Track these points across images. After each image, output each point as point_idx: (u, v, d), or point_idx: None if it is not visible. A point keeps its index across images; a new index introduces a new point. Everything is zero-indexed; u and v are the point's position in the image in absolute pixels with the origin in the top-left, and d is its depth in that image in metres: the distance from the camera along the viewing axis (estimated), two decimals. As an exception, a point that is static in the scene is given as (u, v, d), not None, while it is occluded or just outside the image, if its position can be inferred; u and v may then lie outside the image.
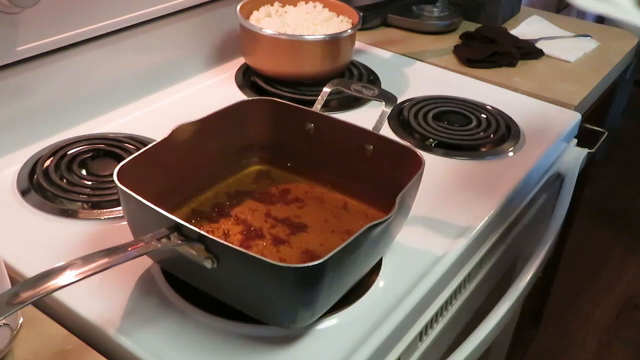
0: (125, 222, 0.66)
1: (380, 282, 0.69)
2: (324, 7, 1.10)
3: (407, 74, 1.17)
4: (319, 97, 0.81)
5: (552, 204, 0.99)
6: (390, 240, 0.70)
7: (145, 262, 0.69)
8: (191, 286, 0.65)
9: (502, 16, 1.40)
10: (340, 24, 1.07)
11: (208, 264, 0.56)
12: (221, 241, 0.55)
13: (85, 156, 0.85)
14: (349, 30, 1.03)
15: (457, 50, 1.25)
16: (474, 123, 1.00)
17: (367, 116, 0.86)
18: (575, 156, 1.05)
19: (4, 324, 0.56)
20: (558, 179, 1.02)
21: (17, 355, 0.59)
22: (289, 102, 0.80)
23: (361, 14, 1.06)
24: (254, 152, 0.82)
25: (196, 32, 1.09)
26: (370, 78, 1.13)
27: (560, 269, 1.65)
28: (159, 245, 0.56)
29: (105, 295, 0.66)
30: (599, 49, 1.30)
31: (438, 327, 0.75)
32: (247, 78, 1.10)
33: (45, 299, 0.62)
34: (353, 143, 0.76)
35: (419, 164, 0.68)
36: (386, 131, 0.96)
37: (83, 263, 0.50)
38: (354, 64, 1.15)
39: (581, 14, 2.70)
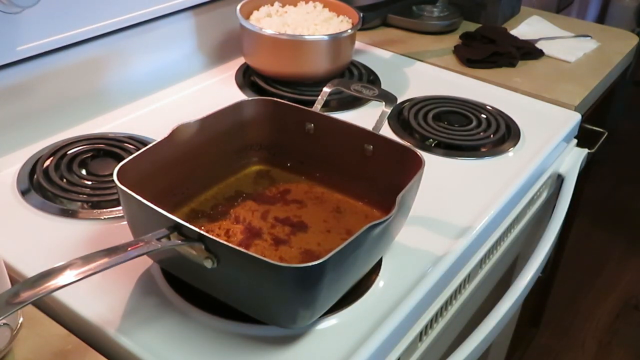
0: (125, 222, 0.66)
1: (380, 282, 0.69)
2: (324, 7, 1.10)
3: (407, 74, 1.17)
4: (319, 97, 0.81)
5: (552, 204, 0.99)
6: (390, 240, 0.70)
7: (145, 262, 0.69)
8: (191, 286, 0.65)
9: (502, 16, 1.40)
10: (340, 24, 1.07)
11: (208, 264, 0.56)
12: (221, 241, 0.55)
13: (85, 156, 0.85)
14: (349, 30, 1.03)
15: (457, 51, 1.25)
16: (474, 123, 1.00)
17: (367, 116, 0.86)
18: (575, 156, 1.05)
19: (4, 323, 0.56)
20: (558, 179, 1.02)
21: (17, 355, 0.59)
22: (289, 102, 0.80)
23: (361, 14, 1.06)
24: (254, 152, 0.82)
25: (196, 32, 1.09)
26: (370, 78, 1.13)
27: (560, 269, 1.65)
28: (159, 245, 0.56)
29: (105, 295, 0.66)
30: (599, 49, 1.30)
31: (438, 327, 0.75)
32: (247, 78, 1.10)
33: (45, 299, 0.62)
34: (353, 143, 0.76)
35: (419, 164, 0.68)
36: (386, 131, 0.96)
37: (83, 263, 0.50)
38: (354, 64, 1.15)
39: (581, 14, 2.71)
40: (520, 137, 0.98)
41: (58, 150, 0.85)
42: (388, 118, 0.96)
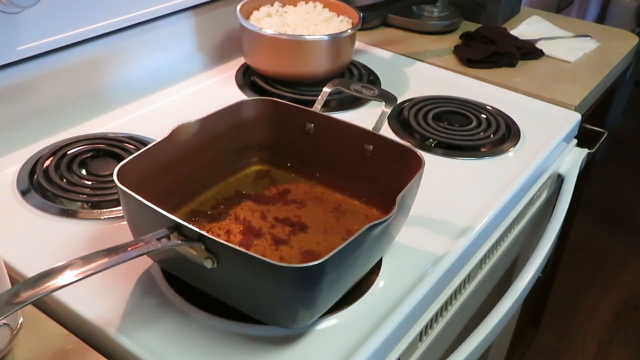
0: (125, 222, 0.66)
1: (380, 282, 0.69)
2: (324, 7, 1.10)
3: (407, 74, 1.17)
4: (319, 97, 0.81)
5: (552, 204, 0.99)
6: (390, 240, 0.70)
7: (145, 262, 0.69)
8: (191, 286, 0.65)
9: (502, 16, 1.40)
10: (340, 24, 1.07)
11: (208, 264, 0.56)
12: (221, 241, 0.55)
13: (85, 156, 0.85)
14: (349, 30, 1.03)
15: (457, 51, 1.25)
16: (474, 123, 1.00)
17: (367, 116, 0.86)
18: (575, 156, 1.05)
19: (4, 323, 0.56)
20: (558, 179, 1.02)
21: (17, 355, 0.59)
22: (289, 102, 0.80)
23: (361, 14, 1.06)
24: (254, 152, 0.82)
25: (196, 32, 1.09)
26: (370, 78, 1.13)
27: (560, 269, 1.65)
28: (159, 245, 0.56)
29: (105, 295, 0.66)
30: (599, 49, 1.30)
31: (438, 327, 0.75)
32: (247, 78, 1.10)
33: (45, 299, 0.62)
34: (353, 143, 0.76)
35: (419, 164, 0.68)
36: (386, 131, 0.96)
37: (83, 263, 0.50)
38: (354, 64, 1.15)
39: (581, 14, 2.71)
40: (520, 137, 0.98)
41: (58, 150, 0.85)
42: (388, 118, 0.96)
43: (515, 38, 1.28)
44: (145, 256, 0.62)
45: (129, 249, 0.54)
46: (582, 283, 2.10)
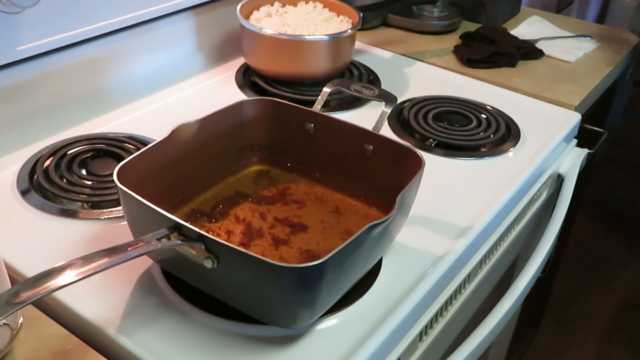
0: (125, 222, 0.66)
1: (380, 282, 0.69)
2: (324, 7, 1.10)
3: (407, 74, 1.17)
4: (319, 97, 0.81)
5: (552, 204, 0.99)
6: (390, 240, 0.70)
7: (145, 262, 0.69)
8: (191, 286, 0.65)
9: (502, 16, 1.40)
10: (340, 24, 1.07)
11: (208, 264, 0.56)
12: (221, 241, 0.55)
13: (85, 156, 0.85)
14: (349, 30, 1.03)
15: (457, 51, 1.25)
16: (474, 123, 1.00)
17: (367, 116, 0.86)
18: (575, 156, 1.05)
19: (4, 323, 0.56)
20: (558, 179, 1.02)
21: (17, 355, 0.59)
22: (289, 102, 0.80)
23: (361, 14, 1.07)
24: (254, 152, 0.82)
25: (196, 32, 1.09)
26: (370, 78, 1.13)
27: (560, 269, 1.65)
28: (159, 245, 0.56)
29: (105, 295, 0.66)
30: (599, 49, 1.30)
31: (438, 327, 0.75)
32: (247, 78, 1.10)
33: (45, 299, 0.62)
34: (353, 143, 0.76)
35: (419, 164, 0.68)
36: (386, 131, 0.96)
37: (83, 263, 0.50)
38: (354, 64, 1.15)
39: (581, 14, 2.71)
40: (520, 137, 0.98)
41: (58, 150, 0.85)
42: (388, 118, 0.96)
43: (515, 38, 1.28)
44: (145, 256, 0.62)
45: (129, 249, 0.54)
46: (582, 283, 2.10)
